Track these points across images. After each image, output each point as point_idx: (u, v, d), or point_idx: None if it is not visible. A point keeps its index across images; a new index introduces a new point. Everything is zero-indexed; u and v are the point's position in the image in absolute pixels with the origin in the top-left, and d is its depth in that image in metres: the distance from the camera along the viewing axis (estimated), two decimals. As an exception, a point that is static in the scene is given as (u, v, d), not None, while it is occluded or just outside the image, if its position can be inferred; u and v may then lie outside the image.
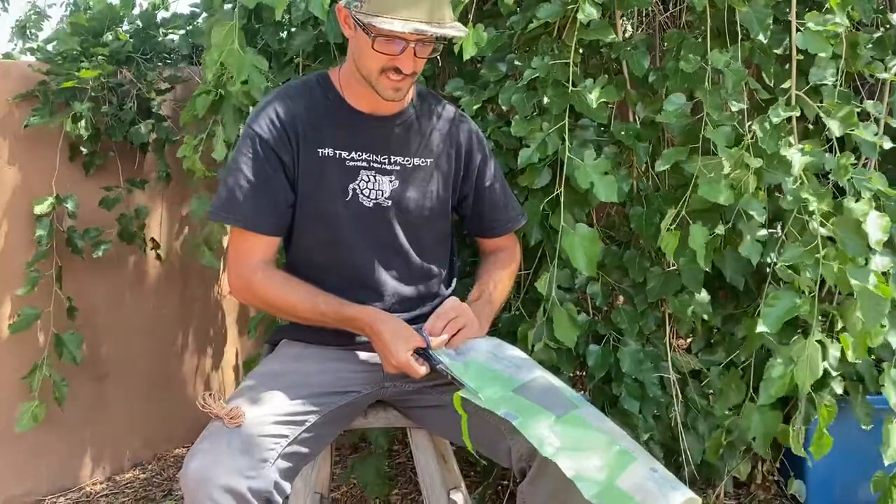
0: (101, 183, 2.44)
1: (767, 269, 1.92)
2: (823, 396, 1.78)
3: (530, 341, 1.80)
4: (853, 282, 1.60)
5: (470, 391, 1.29)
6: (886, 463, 1.79)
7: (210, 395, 1.30)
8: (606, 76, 1.83)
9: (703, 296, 1.89)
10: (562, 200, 1.78)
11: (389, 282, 1.54)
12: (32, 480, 2.37)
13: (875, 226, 1.59)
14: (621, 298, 2.06)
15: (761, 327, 1.64)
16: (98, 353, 2.48)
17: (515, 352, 1.48)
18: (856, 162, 1.74)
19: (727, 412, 1.93)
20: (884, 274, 1.75)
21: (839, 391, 1.89)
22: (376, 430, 2.10)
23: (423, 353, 1.41)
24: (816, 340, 1.70)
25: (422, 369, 1.39)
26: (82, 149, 2.36)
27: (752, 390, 1.88)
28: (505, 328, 1.97)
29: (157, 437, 2.69)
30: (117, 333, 2.54)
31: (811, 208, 1.67)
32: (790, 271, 1.68)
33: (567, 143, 1.76)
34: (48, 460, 2.39)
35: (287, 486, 1.31)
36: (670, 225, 1.73)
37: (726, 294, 2.08)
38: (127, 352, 2.58)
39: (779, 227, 1.84)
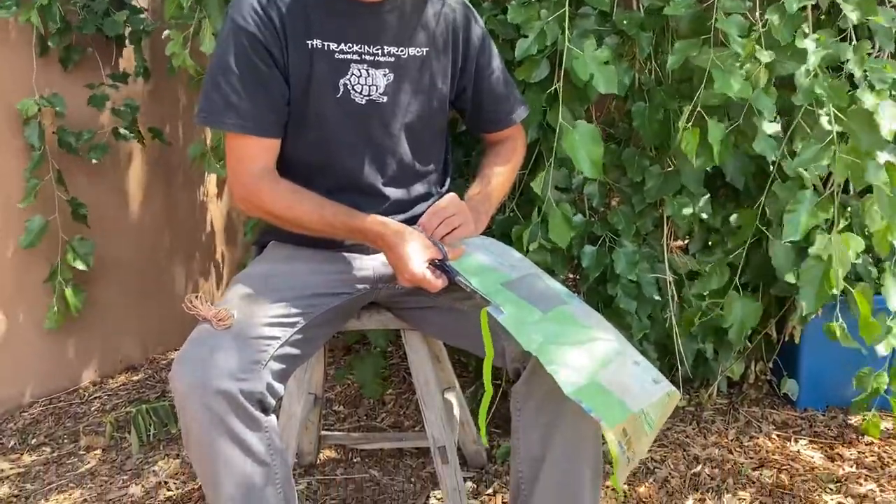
0: (80, 81, 2.34)
1: (771, 168, 1.87)
2: (852, 287, 1.76)
3: (525, 242, 1.75)
4: (870, 178, 1.56)
5: (494, 307, 1.23)
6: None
7: (196, 296, 1.26)
8: (610, -41, 1.72)
9: (703, 196, 1.84)
10: (560, 96, 1.70)
11: (383, 183, 1.47)
12: (23, 383, 2.36)
13: (888, 116, 1.53)
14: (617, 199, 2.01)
15: (788, 237, 1.61)
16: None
17: (509, 250, 1.44)
18: (871, 52, 1.67)
19: (704, 295, 1.91)
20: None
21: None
22: (377, 331, 2.08)
23: (439, 265, 1.34)
24: (838, 231, 1.66)
25: (438, 282, 1.32)
26: (50, 44, 2.23)
27: (738, 280, 1.87)
28: (499, 230, 1.92)
29: (148, 340, 2.68)
30: (103, 235, 2.49)
31: (824, 102, 1.60)
32: (804, 172, 1.63)
33: (567, 32, 1.67)
34: (39, 363, 2.38)
35: (280, 387, 1.29)
36: (687, 123, 1.65)
37: (726, 194, 2.04)
38: (114, 254, 2.53)
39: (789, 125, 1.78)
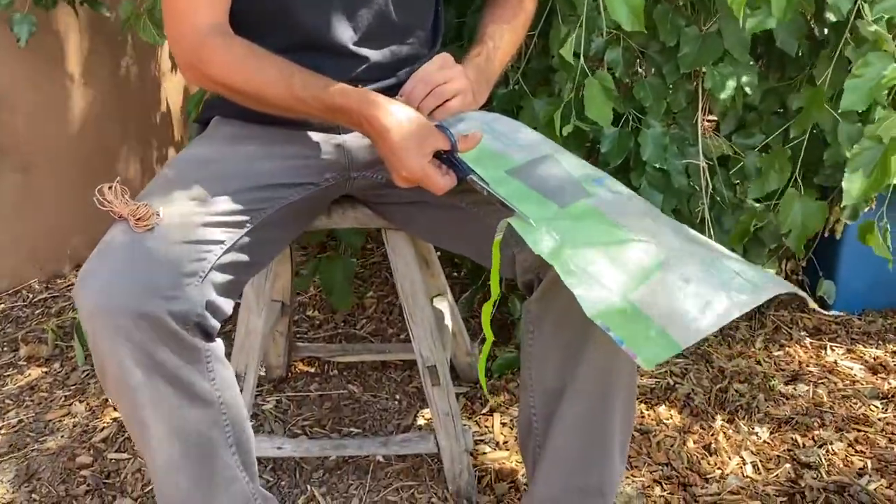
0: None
1: (825, 31, 1.55)
2: None
3: (558, 125, 1.44)
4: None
5: (521, 216, 0.93)
6: None
7: (110, 186, 0.96)
8: None
9: (749, 63, 1.52)
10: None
11: (353, 41, 1.14)
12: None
13: None
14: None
15: (847, 106, 1.29)
16: (20, 139, 2.09)
17: (518, 126, 1.12)
18: None
19: (756, 202, 1.63)
20: None
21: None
22: (350, 228, 1.79)
23: (446, 158, 1.01)
24: None
25: (445, 181, 1.00)
26: None
27: (798, 176, 1.57)
28: (500, 106, 1.60)
29: (99, 236, 2.37)
30: (41, 117, 2.14)
31: None
32: (877, 29, 1.30)
33: None
34: (-30, 262, 2.10)
35: (227, 304, 1.00)
36: None
37: (767, 65, 1.72)
38: (55, 138, 2.20)
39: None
